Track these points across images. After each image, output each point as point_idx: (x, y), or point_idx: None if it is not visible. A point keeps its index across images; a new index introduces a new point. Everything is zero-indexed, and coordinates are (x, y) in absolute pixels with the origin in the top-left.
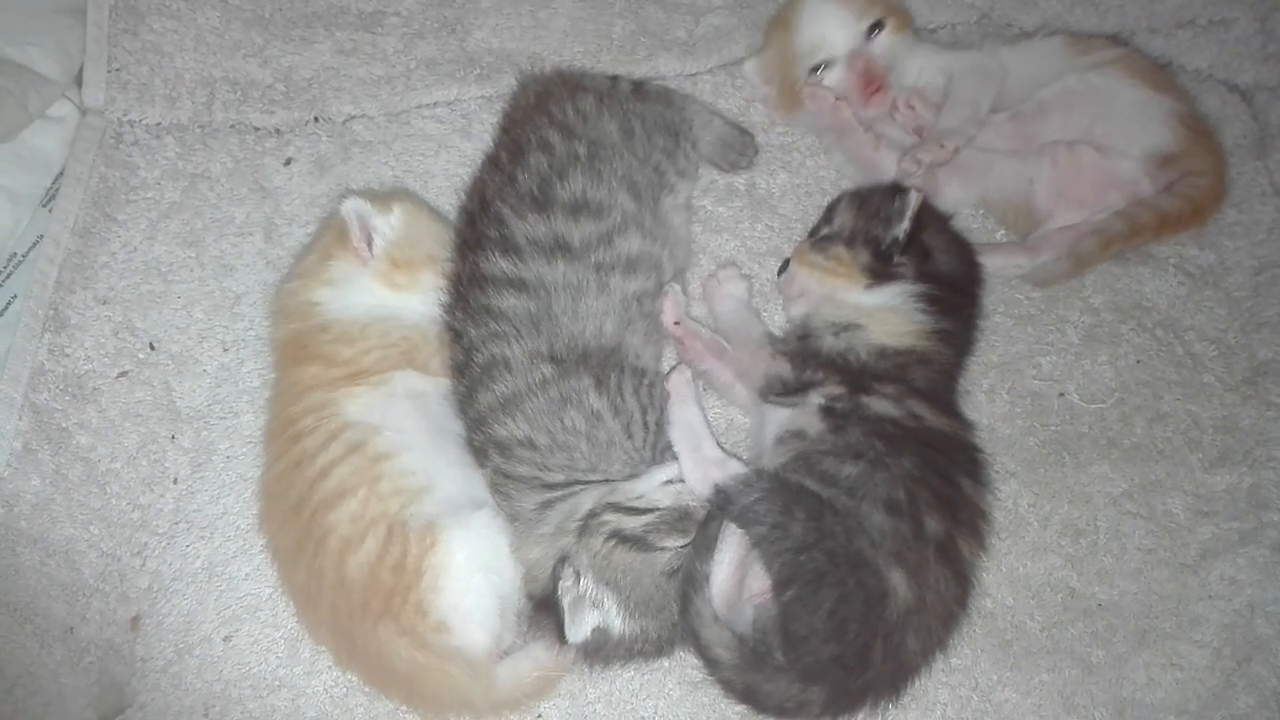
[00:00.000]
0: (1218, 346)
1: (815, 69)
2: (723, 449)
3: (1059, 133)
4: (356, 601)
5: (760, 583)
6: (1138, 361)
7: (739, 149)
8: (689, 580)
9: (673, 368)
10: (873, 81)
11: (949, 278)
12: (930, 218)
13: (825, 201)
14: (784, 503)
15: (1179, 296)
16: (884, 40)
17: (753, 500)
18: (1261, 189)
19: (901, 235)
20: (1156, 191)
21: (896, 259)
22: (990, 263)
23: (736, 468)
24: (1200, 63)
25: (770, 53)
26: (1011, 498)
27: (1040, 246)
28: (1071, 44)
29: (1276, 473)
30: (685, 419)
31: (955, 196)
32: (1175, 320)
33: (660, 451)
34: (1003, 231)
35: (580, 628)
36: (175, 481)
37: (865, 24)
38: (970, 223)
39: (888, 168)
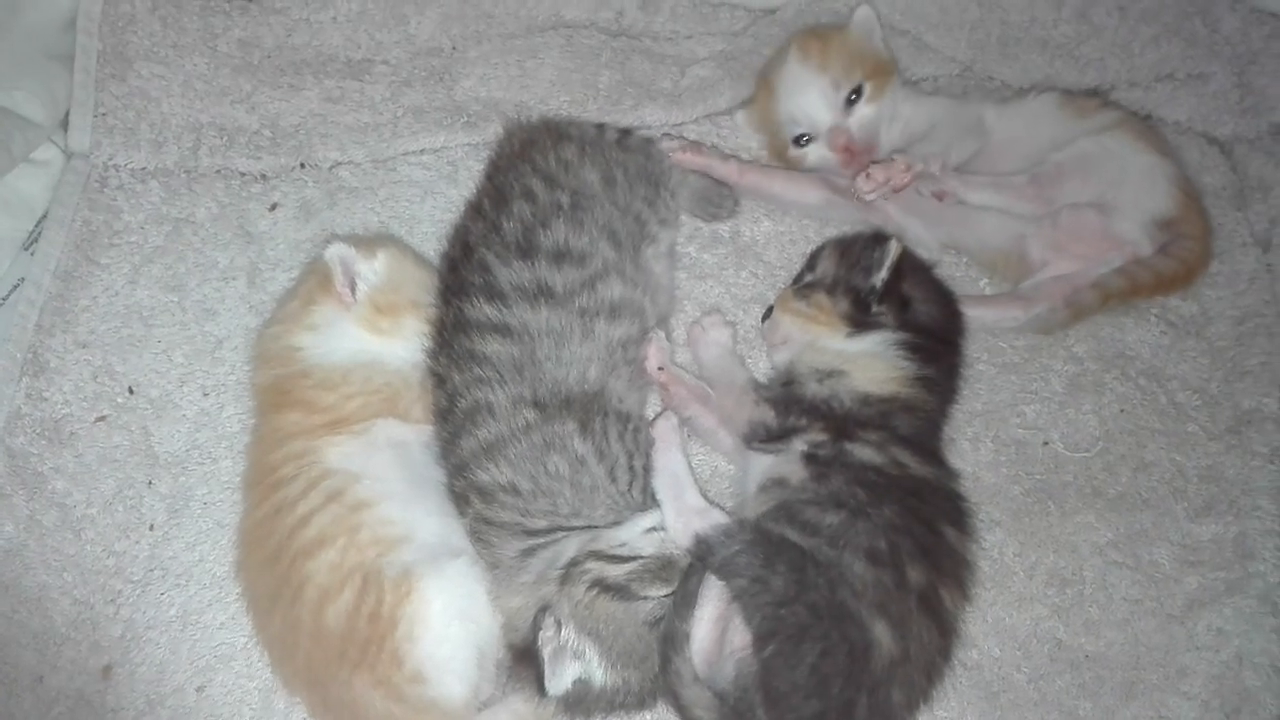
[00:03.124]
0: (1201, 396)
1: (799, 139)
2: (706, 498)
3: (1076, 195)
4: (332, 651)
5: (741, 638)
6: (1121, 410)
7: (717, 202)
8: (668, 640)
9: (659, 413)
10: (857, 156)
11: (930, 326)
12: (911, 267)
13: (809, 249)
14: (765, 555)
15: (1162, 346)
16: (864, 109)
17: (734, 552)
18: (1242, 239)
19: (879, 285)
20: (1154, 252)
21: (875, 308)
22: (986, 316)
23: (719, 517)
24: (1179, 115)
25: (757, 112)
26: (997, 547)
27: (1034, 298)
28: (1066, 104)
29: (1262, 522)
30: (669, 466)
31: (918, 234)
32: (1159, 369)
33: (648, 496)
34: (986, 280)
35: (561, 679)
36: (151, 528)
37: (844, 92)
38: (954, 270)
39: (766, 189)
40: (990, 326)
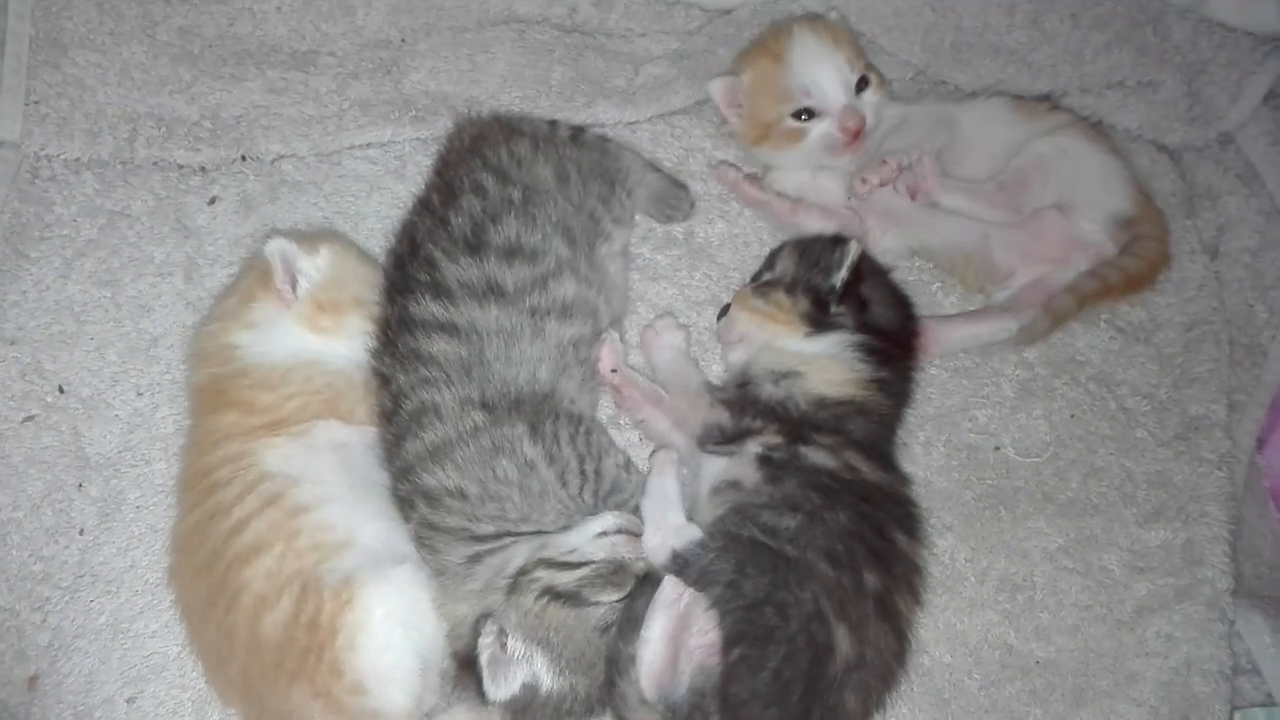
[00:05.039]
0: (1150, 402)
1: (800, 114)
2: (686, 517)
3: (1040, 199)
4: (269, 662)
5: (698, 652)
6: (1072, 416)
7: (673, 203)
8: (613, 664)
9: (658, 448)
10: (861, 139)
11: (886, 329)
12: (869, 270)
13: (763, 251)
14: (737, 559)
15: (1111, 351)
16: (870, 97)
17: (709, 560)
18: (1191, 247)
19: (839, 284)
20: (1118, 253)
21: (834, 309)
22: (982, 330)
23: (695, 533)
24: (1130, 122)
25: (751, 81)
26: (948, 552)
27: (1018, 307)
28: (1016, 107)
29: (1210, 529)
30: (661, 489)
31: (889, 247)
32: (1108, 375)
33: (602, 499)
34: (939, 284)
35: (500, 687)
36: (81, 532)
37: (855, 76)
38: (907, 275)
39: (809, 227)
40: (986, 342)
